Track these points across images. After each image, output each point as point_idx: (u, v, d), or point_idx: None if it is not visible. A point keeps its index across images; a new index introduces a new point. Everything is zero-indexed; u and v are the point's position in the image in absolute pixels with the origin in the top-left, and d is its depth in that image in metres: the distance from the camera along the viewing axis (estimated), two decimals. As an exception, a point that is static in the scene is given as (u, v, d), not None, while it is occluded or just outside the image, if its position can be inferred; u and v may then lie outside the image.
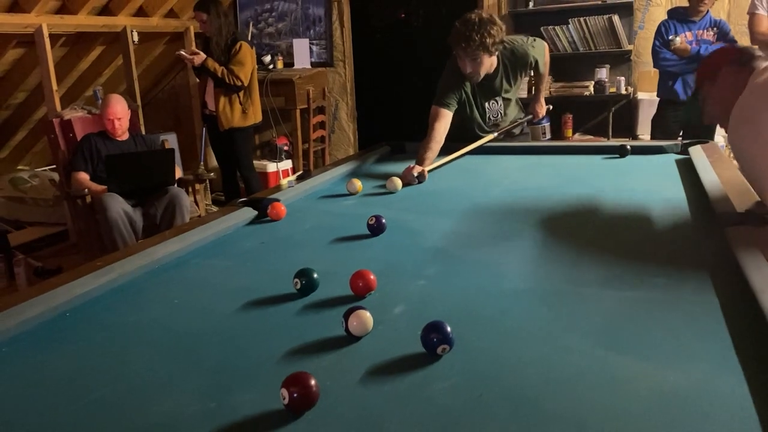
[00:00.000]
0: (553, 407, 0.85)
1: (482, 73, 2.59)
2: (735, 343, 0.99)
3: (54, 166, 4.82)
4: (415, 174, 2.29)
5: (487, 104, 2.75)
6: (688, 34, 3.86)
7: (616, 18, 4.62)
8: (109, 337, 1.14)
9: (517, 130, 2.94)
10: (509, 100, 2.81)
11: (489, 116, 2.79)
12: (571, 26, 4.71)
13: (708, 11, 3.88)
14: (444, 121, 2.56)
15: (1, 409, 0.91)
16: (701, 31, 3.85)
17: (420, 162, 2.40)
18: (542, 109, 3.08)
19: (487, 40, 2.43)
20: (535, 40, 2.85)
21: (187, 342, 1.11)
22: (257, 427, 0.84)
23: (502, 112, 2.81)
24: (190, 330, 1.16)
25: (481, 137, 2.74)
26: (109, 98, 3.68)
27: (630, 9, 4.73)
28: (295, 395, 0.85)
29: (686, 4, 3.94)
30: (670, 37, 3.84)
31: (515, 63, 2.70)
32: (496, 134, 2.79)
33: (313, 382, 0.87)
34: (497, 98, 2.76)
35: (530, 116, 3.04)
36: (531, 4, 4.91)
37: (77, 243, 4.07)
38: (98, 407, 0.90)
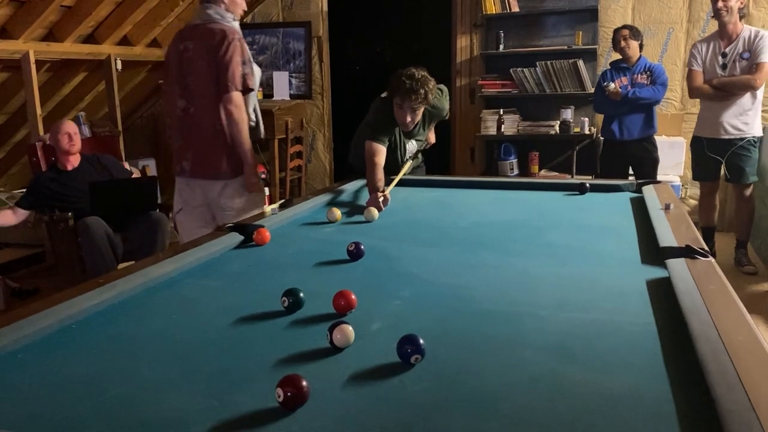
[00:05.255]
0: (509, 407, 1.00)
1: (416, 122, 2.93)
2: (665, 357, 1.15)
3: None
4: (381, 200, 2.47)
5: (408, 144, 3.11)
6: (623, 78, 4.28)
7: (580, 62, 4.91)
8: (115, 345, 1.27)
9: (417, 161, 3.28)
10: (420, 141, 3.20)
11: (407, 152, 3.14)
12: (538, 68, 4.99)
13: (641, 57, 4.27)
14: (382, 155, 2.84)
15: (26, 405, 1.03)
16: (636, 75, 4.27)
17: (376, 189, 2.62)
18: (432, 137, 3.40)
19: (429, 95, 2.77)
20: (442, 90, 3.15)
21: (187, 351, 1.24)
22: (256, 421, 0.97)
23: (413, 150, 3.18)
24: (188, 340, 1.29)
25: (398, 167, 3.03)
26: (57, 123, 3.77)
27: (594, 54, 5.04)
28: (289, 394, 0.99)
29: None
30: (605, 84, 4.25)
31: (433, 115, 3.09)
32: (409, 163, 3.12)
33: (304, 383, 1.01)
34: (413, 140, 3.13)
35: (426, 143, 3.35)
36: (501, 47, 5.18)
37: (55, 265, 4.11)
38: (114, 403, 1.02)
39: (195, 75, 2.73)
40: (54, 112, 5.23)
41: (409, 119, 2.84)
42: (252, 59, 2.84)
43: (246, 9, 3.02)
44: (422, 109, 2.88)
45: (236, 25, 2.79)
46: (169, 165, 5.68)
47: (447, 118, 3.29)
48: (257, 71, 2.89)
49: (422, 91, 2.72)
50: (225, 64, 2.66)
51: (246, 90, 2.75)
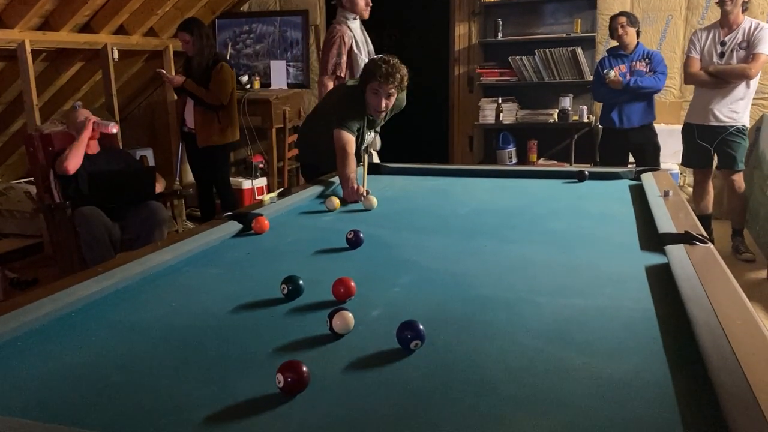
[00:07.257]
0: (508, 390, 1.00)
1: (389, 109, 2.88)
2: (664, 341, 1.16)
3: (30, 179, 4.86)
4: (364, 193, 2.44)
5: (368, 134, 3.08)
6: (622, 66, 4.27)
7: (579, 50, 4.89)
8: (114, 333, 1.26)
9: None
10: (376, 132, 3.20)
11: (364, 143, 3.09)
12: (536, 56, 4.96)
13: (639, 43, 4.28)
14: (353, 144, 2.80)
15: (25, 392, 1.03)
16: (635, 63, 4.27)
17: (350, 179, 2.53)
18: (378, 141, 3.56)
19: (404, 80, 2.77)
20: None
21: (187, 338, 1.24)
22: (256, 408, 0.97)
23: (370, 140, 3.17)
24: (188, 328, 1.29)
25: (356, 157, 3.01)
26: (71, 112, 3.78)
27: (592, 42, 5.02)
28: (289, 379, 0.99)
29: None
30: (604, 72, 4.23)
31: (393, 106, 3.01)
32: (367, 153, 3.05)
33: (305, 368, 1.01)
34: (372, 131, 3.10)
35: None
36: (500, 35, 5.15)
37: (53, 255, 4.11)
38: (115, 391, 1.02)
39: (321, 62, 3.86)
40: (50, 101, 5.21)
41: (384, 105, 2.81)
42: (361, 51, 3.74)
43: (369, 2, 3.71)
44: (395, 96, 2.84)
45: (354, 24, 3.71)
46: (167, 155, 5.70)
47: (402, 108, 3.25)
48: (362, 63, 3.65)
49: (398, 76, 2.73)
50: (324, 53, 3.70)
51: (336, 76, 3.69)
